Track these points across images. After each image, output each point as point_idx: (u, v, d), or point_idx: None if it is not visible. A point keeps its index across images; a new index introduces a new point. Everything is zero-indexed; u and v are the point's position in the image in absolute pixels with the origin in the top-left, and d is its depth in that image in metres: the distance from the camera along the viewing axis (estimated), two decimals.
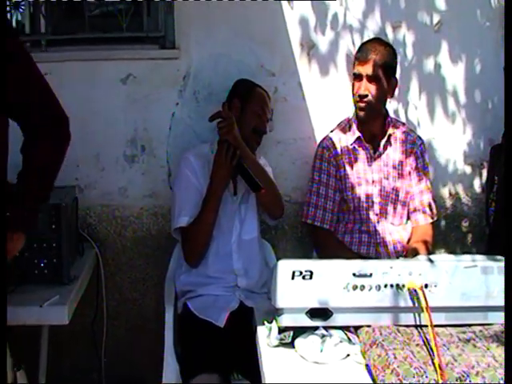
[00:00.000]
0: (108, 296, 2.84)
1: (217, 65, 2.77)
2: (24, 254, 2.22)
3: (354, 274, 1.73)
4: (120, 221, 2.85)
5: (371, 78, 2.47)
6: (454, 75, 2.89)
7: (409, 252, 2.49)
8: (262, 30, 2.77)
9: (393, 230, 2.60)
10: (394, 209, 2.61)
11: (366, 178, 2.60)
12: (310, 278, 1.73)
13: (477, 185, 2.98)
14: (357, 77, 2.51)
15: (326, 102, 2.84)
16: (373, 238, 2.57)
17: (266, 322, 1.83)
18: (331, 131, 2.68)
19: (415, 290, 1.71)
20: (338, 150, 2.61)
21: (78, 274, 2.41)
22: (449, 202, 2.99)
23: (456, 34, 2.84)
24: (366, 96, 2.48)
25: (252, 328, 2.01)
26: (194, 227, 2.40)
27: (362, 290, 1.74)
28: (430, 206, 2.63)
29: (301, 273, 1.72)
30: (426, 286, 1.74)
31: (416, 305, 1.73)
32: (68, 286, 2.29)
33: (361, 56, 2.49)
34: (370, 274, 1.74)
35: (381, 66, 2.46)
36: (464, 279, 1.75)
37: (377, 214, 2.59)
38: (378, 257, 2.55)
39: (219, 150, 2.38)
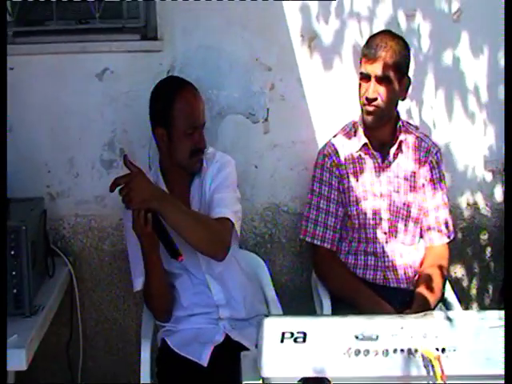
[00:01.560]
0: (85, 315, 2.60)
1: (205, 58, 2.45)
2: None
3: (356, 337, 1.43)
4: (97, 232, 2.58)
5: (381, 79, 2.14)
6: (475, 70, 2.56)
7: (416, 300, 2.16)
8: (258, 19, 2.44)
9: (403, 251, 2.30)
10: (406, 226, 2.31)
11: (373, 190, 2.29)
12: (304, 340, 1.43)
13: (498, 193, 2.67)
14: (364, 77, 2.18)
15: (329, 101, 2.52)
16: (380, 261, 2.28)
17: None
18: (334, 136, 2.37)
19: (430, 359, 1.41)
20: (342, 158, 2.30)
21: (46, 300, 2.17)
22: (466, 213, 2.68)
23: (478, 23, 2.49)
24: (375, 99, 2.16)
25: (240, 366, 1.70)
26: (146, 291, 2.14)
27: (366, 355, 1.43)
28: (446, 223, 2.33)
29: (292, 334, 1.43)
30: (444, 350, 1.44)
31: (431, 373, 1.43)
32: (30, 318, 2.03)
33: (369, 53, 2.15)
34: (376, 337, 1.44)
35: (392, 65, 2.14)
36: (489, 342, 1.45)
37: (385, 233, 2.29)
38: (385, 283, 2.27)
39: (133, 218, 1.96)
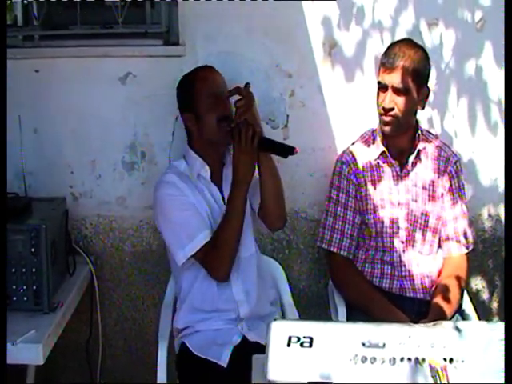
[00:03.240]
0: (105, 314, 2.63)
1: (226, 64, 2.45)
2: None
3: (363, 344, 1.44)
4: (118, 233, 2.61)
5: (398, 89, 2.13)
6: (498, 80, 2.50)
7: (432, 310, 2.16)
8: (279, 26, 2.44)
9: (421, 261, 2.28)
10: (423, 236, 2.29)
11: (390, 199, 2.27)
12: (310, 345, 1.44)
13: None
14: (382, 86, 2.17)
15: (349, 108, 2.51)
16: (397, 270, 2.27)
17: None
18: (352, 144, 2.37)
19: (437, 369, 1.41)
20: (360, 165, 2.29)
21: (65, 297, 2.21)
22: (487, 224, 2.64)
23: (501, 32, 2.43)
24: (392, 109, 2.15)
25: None
26: (222, 234, 2.09)
27: (372, 362, 1.44)
28: (465, 233, 2.30)
29: (298, 339, 1.44)
30: (452, 360, 1.44)
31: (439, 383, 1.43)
32: (49, 315, 2.07)
33: (387, 62, 2.14)
34: (383, 345, 1.44)
35: (410, 75, 2.12)
36: (498, 354, 1.44)
37: (403, 242, 2.27)
38: (401, 293, 2.25)
39: (238, 133, 2.06)
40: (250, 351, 1.93)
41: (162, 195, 2.17)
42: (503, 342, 1.43)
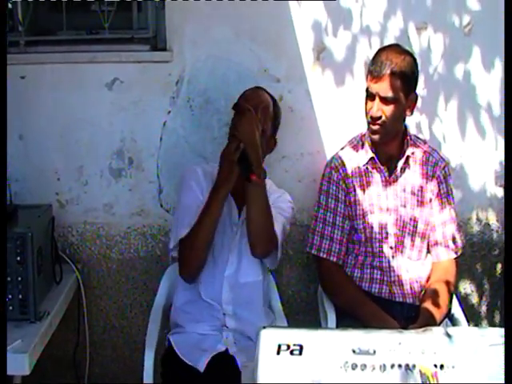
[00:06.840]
0: (92, 322, 2.61)
1: (214, 69, 2.46)
2: None
3: (353, 351, 1.42)
4: (105, 240, 2.59)
5: (386, 99, 2.12)
6: (487, 84, 2.52)
7: (421, 315, 2.15)
8: (266, 31, 2.44)
9: (410, 266, 2.27)
10: (412, 241, 2.28)
11: (379, 204, 2.27)
12: (300, 353, 1.42)
13: None
14: (369, 94, 2.16)
15: (338, 113, 2.51)
16: (386, 276, 2.25)
17: None
18: (341, 149, 2.36)
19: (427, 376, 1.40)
20: (349, 171, 2.28)
21: (52, 306, 2.18)
22: (476, 228, 2.64)
23: (489, 37, 2.45)
24: (379, 118, 2.14)
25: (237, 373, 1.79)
26: (192, 234, 2.11)
27: (363, 369, 1.42)
28: (453, 238, 2.29)
29: (288, 347, 1.42)
30: (442, 366, 1.42)
31: None
32: (36, 324, 2.04)
33: (374, 70, 2.13)
34: (374, 352, 1.42)
35: (397, 83, 2.10)
36: (489, 360, 1.43)
37: (392, 247, 2.26)
38: (391, 298, 2.24)
39: (228, 143, 2.11)
40: (230, 361, 2.03)
41: (184, 180, 2.25)
42: (495, 348, 1.43)
